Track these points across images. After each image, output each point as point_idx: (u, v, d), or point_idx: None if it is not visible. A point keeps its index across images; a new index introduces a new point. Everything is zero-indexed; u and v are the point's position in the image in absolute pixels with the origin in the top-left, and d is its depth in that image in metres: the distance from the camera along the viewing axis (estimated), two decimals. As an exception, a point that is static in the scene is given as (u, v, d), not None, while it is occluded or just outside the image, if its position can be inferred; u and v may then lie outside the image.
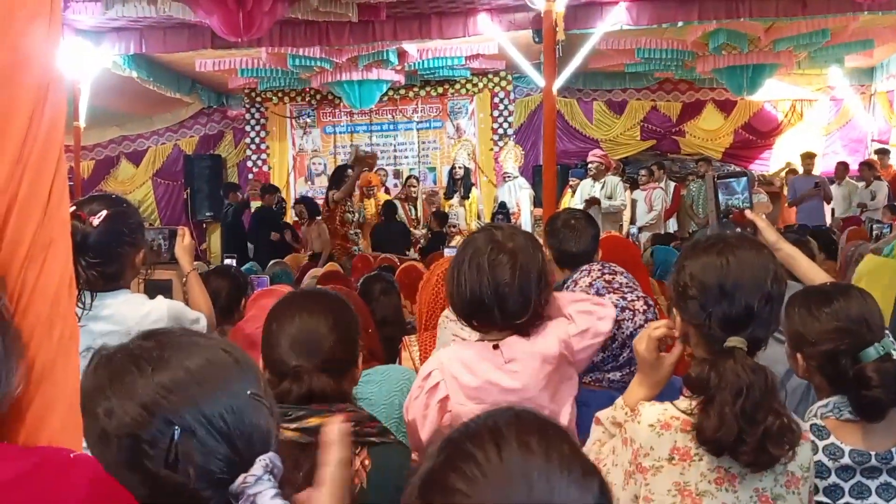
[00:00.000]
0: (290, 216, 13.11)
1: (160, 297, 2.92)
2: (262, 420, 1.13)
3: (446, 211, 12.62)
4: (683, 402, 1.72)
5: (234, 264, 7.82)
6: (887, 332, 2.06)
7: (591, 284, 2.73)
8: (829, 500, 1.98)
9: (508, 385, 2.13)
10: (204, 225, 14.94)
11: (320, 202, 11.48)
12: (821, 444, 1.99)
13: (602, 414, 1.93)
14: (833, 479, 1.98)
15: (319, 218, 11.04)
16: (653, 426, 1.70)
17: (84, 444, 2.63)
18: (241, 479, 1.06)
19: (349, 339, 1.87)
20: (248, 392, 1.13)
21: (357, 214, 10.84)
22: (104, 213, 2.67)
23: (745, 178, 2.31)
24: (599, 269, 2.82)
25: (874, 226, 8.24)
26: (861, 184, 12.13)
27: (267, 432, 1.13)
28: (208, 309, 3.04)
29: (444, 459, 0.89)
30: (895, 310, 3.20)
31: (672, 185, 13.02)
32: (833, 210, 12.44)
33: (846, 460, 1.98)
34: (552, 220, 3.40)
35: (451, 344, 2.82)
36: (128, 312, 2.77)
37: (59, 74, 1.37)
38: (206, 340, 1.20)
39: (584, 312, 2.26)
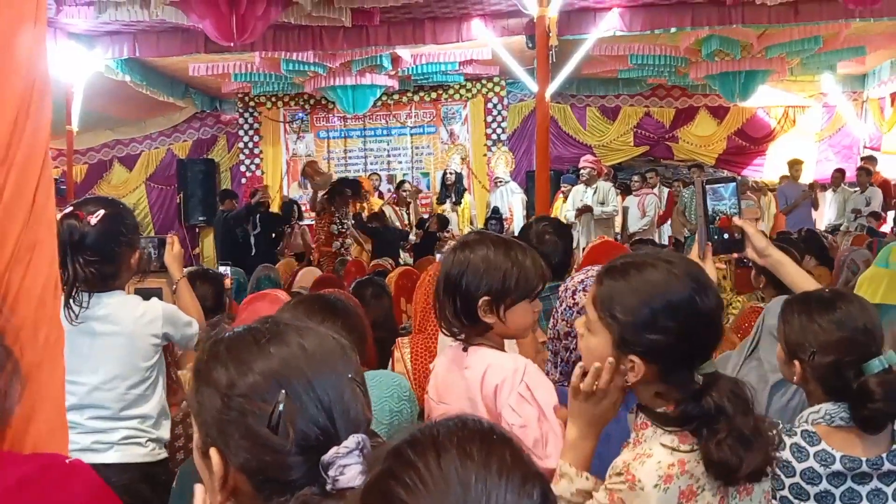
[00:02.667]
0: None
1: (154, 300, 2.95)
2: (358, 404, 1.20)
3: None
4: (662, 441, 1.61)
5: (230, 272, 7.84)
6: None
7: (582, 281, 2.72)
8: None
9: (459, 391, 2.15)
10: (197, 229, 14.92)
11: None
12: (812, 450, 1.98)
13: (558, 490, 1.71)
14: (824, 485, 1.98)
15: (304, 223, 11.06)
16: (658, 486, 1.58)
17: (78, 446, 2.65)
18: (334, 450, 1.11)
19: (360, 351, 1.88)
20: (349, 376, 1.21)
21: (343, 226, 10.75)
22: (101, 212, 2.71)
23: (733, 184, 2.30)
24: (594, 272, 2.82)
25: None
26: (856, 190, 12.18)
27: (361, 415, 1.20)
28: (199, 316, 3.07)
29: (386, 468, 0.91)
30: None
31: (666, 190, 13.05)
32: (828, 215, 12.48)
33: (837, 466, 1.97)
34: (524, 231, 3.41)
35: (449, 349, 2.85)
36: (124, 313, 2.80)
37: (46, 77, 1.37)
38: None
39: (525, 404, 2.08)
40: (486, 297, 2.09)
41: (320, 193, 10.78)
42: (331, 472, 1.10)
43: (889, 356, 1.95)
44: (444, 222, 11.90)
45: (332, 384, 1.17)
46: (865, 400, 1.92)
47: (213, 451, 1.16)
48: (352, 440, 1.12)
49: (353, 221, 10.87)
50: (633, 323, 1.62)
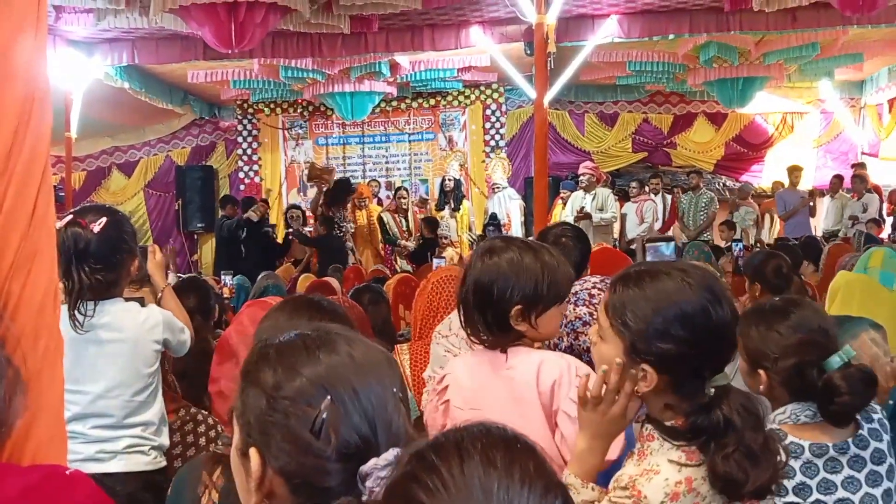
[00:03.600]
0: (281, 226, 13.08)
1: (152, 306, 2.96)
2: (400, 418, 1.19)
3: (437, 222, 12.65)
4: (668, 458, 1.61)
5: (231, 281, 7.85)
6: None
7: (576, 294, 2.72)
8: (800, 500, 2.02)
9: (500, 393, 2.11)
10: (195, 236, 14.92)
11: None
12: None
13: None
14: (800, 477, 2.02)
15: (307, 229, 11.06)
16: (664, 502, 1.57)
17: (82, 456, 2.65)
18: (373, 461, 1.10)
19: None
20: (394, 389, 1.20)
21: (344, 228, 10.84)
22: (104, 220, 2.72)
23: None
24: (594, 281, 2.82)
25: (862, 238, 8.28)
26: (853, 196, 12.21)
27: (402, 429, 1.19)
28: (185, 322, 3.07)
29: (409, 470, 0.92)
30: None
31: (669, 197, 13.03)
32: (825, 222, 12.49)
33: (807, 455, 2.03)
34: (542, 235, 3.41)
35: (443, 357, 2.83)
36: (126, 320, 2.81)
37: (46, 87, 1.38)
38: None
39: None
40: (518, 307, 2.05)
41: (314, 200, 10.84)
42: (368, 483, 1.09)
43: (846, 350, 2.01)
44: (433, 224, 11.87)
45: (377, 395, 1.17)
46: (832, 395, 1.97)
47: (253, 452, 1.16)
48: (391, 453, 1.11)
49: (293, 230, 10.89)
50: (644, 331, 1.61)
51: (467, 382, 2.19)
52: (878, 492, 2.05)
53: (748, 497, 1.57)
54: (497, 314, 2.07)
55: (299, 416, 1.14)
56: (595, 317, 2.36)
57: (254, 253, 11.18)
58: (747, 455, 1.54)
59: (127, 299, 2.92)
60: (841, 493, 2.02)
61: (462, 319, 2.17)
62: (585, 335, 2.51)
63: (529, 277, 2.06)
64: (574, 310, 2.67)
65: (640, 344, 1.61)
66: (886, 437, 2.11)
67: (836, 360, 1.98)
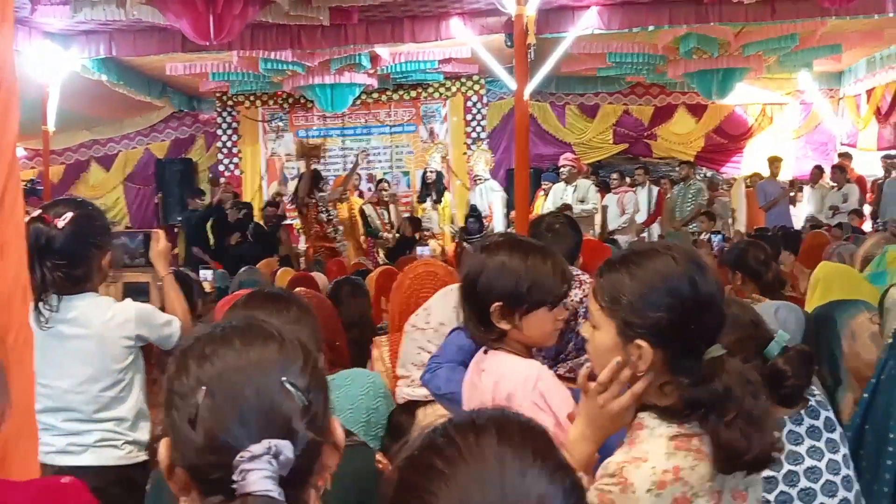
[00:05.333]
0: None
1: (128, 301, 2.92)
2: (287, 409, 1.15)
3: (419, 215, 12.62)
4: (656, 446, 1.61)
5: (211, 276, 7.81)
6: None
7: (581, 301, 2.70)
8: (774, 473, 2.11)
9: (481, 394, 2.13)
10: (175, 229, 14.83)
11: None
12: None
13: None
14: None
15: (286, 223, 11.03)
16: (650, 490, 1.57)
17: (54, 448, 2.63)
18: (240, 454, 1.08)
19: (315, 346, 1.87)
20: (283, 378, 1.16)
21: (329, 213, 10.85)
22: (69, 215, 2.68)
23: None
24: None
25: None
26: (833, 187, 12.29)
27: (287, 421, 1.14)
28: (183, 312, 3.03)
29: (427, 442, 0.96)
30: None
31: (655, 189, 13.06)
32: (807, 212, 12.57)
33: None
34: (535, 224, 3.42)
35: (417, 355, 2.84)
36: (93, 315, 2.77)
37: (13, 80, 1.36)
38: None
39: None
40: (498, 303, 2.05)
41: (301, 188, 10.80)
42: (234, 476, 1.08)
43: (780, 336, 2.03)
44: (416, 224, 11.88)
45: (256, 383, 1.15)
46: (781, 379, 2.00)
47: (162, 442, 1.17)
48: (261, 445, 1.09)
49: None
50: (633, 304, 1.63)
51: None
52: (838, 457, 2.19)
53: (748, 469, 1.58)
54: (479, 309, 2.09)
55: (181, 409, 1.13)
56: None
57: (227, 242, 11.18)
58: (749, 421, 1.55)
59: (131, 283, 2.89)
60: (809, 462, 2.16)
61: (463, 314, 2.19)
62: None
63: (510, 275, 2.07)
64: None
65: (632, 317, 1.63)
66: (826, 412, 2.26)
67: (774, 347, 2.00)
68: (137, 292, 3.03)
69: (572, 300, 2.53)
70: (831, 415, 2.26)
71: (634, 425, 1.68)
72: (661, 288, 1.63)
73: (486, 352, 2.14)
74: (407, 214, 12.66)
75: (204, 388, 1.12)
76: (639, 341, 1.62)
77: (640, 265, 1.67)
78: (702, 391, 1.59)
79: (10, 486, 1.25)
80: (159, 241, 3.14)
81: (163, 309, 3.04)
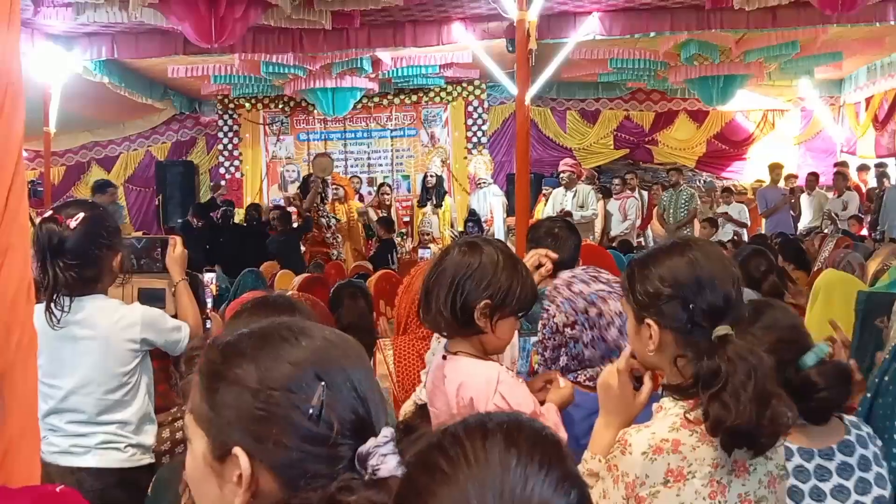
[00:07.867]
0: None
1: (136, 304, 2.92)
2: (381, 398, 1.20)
3: (420, 219, 12.66)
4: (664, 421, 1.70)
5: (215, 279, 7.81)
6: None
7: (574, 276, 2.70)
8: (792, 502, 2.03)
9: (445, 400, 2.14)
10: (175, 232, 14.85)
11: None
12: None
13: None
14: (792, 480, 2.04)
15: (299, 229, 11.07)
16: (645, 453, 1.66)
17: (58, 449, 2.63)
18: (372, 441, 1.10)
19: None
20: (370, 368, 1.22)
21: (331, 219, 10.88)
22: (81, 215, 2.69)
23: None
24: (583, 269, 2.82)
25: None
26: (831, 193, 12.28)
27: (384, 409, 1.19)
28: (195, 319, 3.02)
29: (435, 442, 0.96)
30: (856, 322, 3.27)
31: (645, 195, 13.09)
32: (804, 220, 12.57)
33: (797, 459, 2.04)
34: (534, 228, 3.42)
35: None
36: (101, 317, 2.77)
37: (19, 82, 1.36)
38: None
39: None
40: (487, 301, 2.06)
41: (309, 199, 10.88)
42: (371, 462, 1.09)
43: (820, 347, 2.04)
44: (388, 224, 11.88)
45: (362, 373, 1.18)
46: (811, 391, 2.00)
47: (239, 452, 1.11)
48: (387, 431, 1.12)
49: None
50: (642, 288, 1.78)
51: (429, 381, 2.24)
52: (867, 499, 2.06)
53: (740, 443, 1.61)
54: (464, 304, 2.07)
55: (294, 404, 1.11)
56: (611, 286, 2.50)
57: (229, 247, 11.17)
58: (734, 395, 1.60)
59: (147, 290, 2.89)
60: (831, 502, 2.04)
61: (422, 307, 2.17)
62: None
63: (505, 280, 2.09)
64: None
65: (641, 298, 1.78)
66: (873, 447, 2.12)
67: (811, 357, 2.00)
68: (153, 298, 3.02)
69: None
70: (869, 453, 2.11)
71: (656, 408, 1.78)
72: (663, 269, 1.76)
73: (444, 357, 2.15)
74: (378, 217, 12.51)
75: (322, 380, 1.12)
76: (648, 320, 1.76)
77: (648, 255, 1.85)
78: (708, 364, 1.66)
79: (7, 494, 1.25)
80: (176, 248, 3.14)
81: (175, 315, 3.03)
